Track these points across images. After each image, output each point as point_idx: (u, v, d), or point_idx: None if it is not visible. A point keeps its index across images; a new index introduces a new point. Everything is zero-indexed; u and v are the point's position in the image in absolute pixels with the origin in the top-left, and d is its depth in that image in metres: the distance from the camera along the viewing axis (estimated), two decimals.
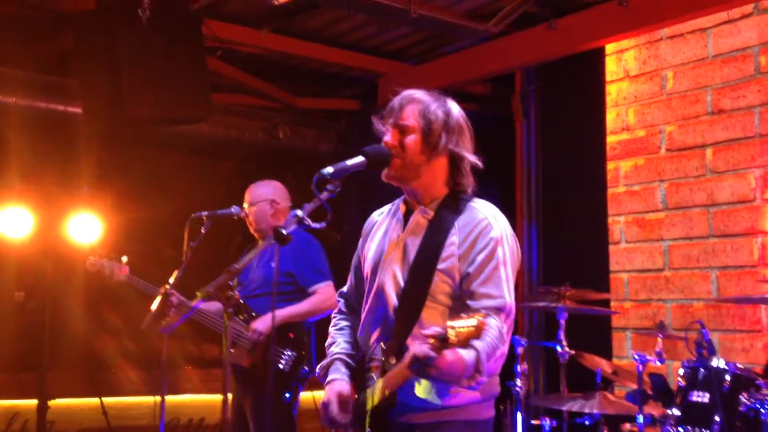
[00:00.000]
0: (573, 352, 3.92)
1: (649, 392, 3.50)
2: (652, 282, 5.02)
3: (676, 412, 3.14)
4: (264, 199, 4.21)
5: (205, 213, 3.88)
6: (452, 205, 2.46)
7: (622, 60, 5.31)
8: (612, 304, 5.07)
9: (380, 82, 6.47)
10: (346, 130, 6.97)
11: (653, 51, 5.13)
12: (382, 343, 2.43)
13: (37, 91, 5.41)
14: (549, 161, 5.85)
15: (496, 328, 2.28)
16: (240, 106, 6.68)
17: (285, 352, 3.90)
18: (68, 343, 5.01)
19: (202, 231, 3.86)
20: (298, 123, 6.74)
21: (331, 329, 2.69)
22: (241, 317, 3.98)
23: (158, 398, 5.12)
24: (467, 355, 2.18)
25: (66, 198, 4.80)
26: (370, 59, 6.34)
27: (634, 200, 5.17)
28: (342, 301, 2.75)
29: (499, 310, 2.33)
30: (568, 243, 5.57)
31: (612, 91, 5.35)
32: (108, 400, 5.02)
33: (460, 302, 2.37)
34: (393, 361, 2.35)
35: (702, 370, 3.15)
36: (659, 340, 3.39)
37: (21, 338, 5.03)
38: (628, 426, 3.58)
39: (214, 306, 4.07)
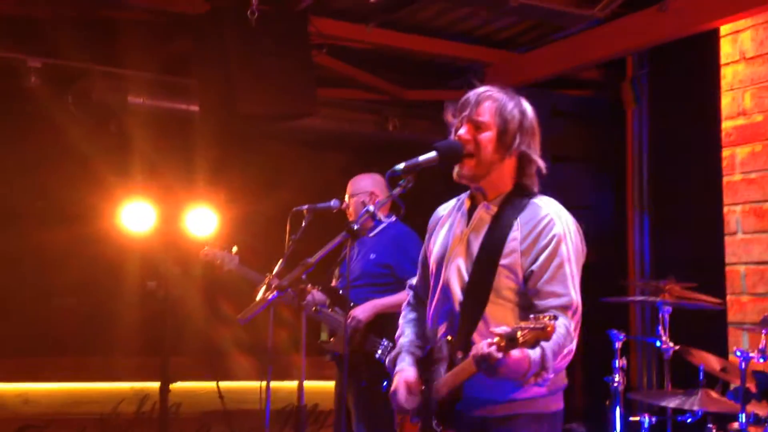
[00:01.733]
0: (677, 347, 3.80)
1: (753, 391, 3.36)
2: None
3: None
4: (364, 191, 4.32)
5: (305, 206, 4.02)
6: (515, 201, 2.49)
7: (737, 41, 5.03)
8: (728, 297, 4.85)
9: (487, 71, 6.45)
10: None
11: None
12: (449, 337, 2.46)
13: (160, 91, 5.74)
14: (661, 149, 5.65)
15: (563, 326, 2.28)
16: (351, 100, 6.84)
17: (382, 342, 4.00)
18: (187, 331, 5.33)
19: (303, 224, 4.00)
20: (408, 115, 6.82)
21: (400, 321, 2.77)
22: (339, 307, 4.11)
23: (271, 383, 5.36)
24: (533, 353, 2.21)
25: (184, 192, 5.10)
26: (478, 49, 6.33)
27: (752, 188, 4.91)
28: (411, 293, 2.81)
29: (565, 308, 2.34)
30: (681, 234, 5.37)
31: (727, 74, 5.08)
32: (224, 385, 5.31)
33: (525, 298, 2.39)
34: (460, 355, 2.39)
35: None
36: (763, 336, 3.25)
37: (148, 325, 5.38)
38: (736, 425, 3.44)
39: (320, 296, 4.23)
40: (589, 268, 6.24)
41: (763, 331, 3.26)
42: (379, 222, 4.30)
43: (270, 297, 2.42)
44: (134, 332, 5.51)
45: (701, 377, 3.61)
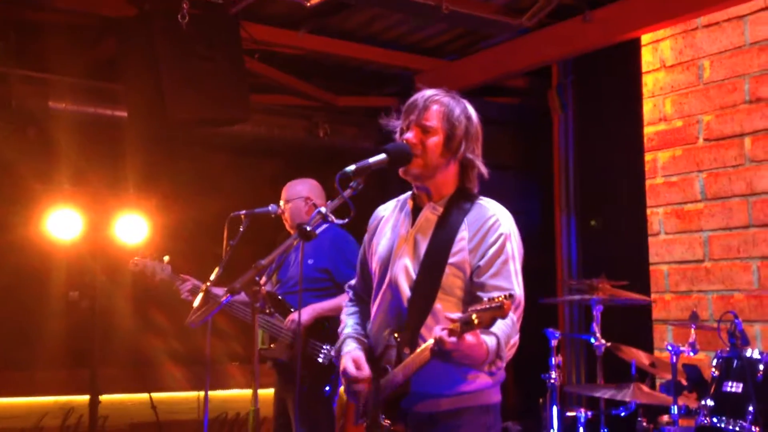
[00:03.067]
0: (609, 344, 3.93)
1: (684, 383, 3.50)
2: (692, 273, 4.98)
3: (709, 402, 3.14)
4: (299, 196, 4.30)
5: (243, 212, 3.97)
6: (461, 202, 2.56)
7: (658, 50, 5.26)
8: (653, 296, 5.04)
9: (417, 78, 6.52)
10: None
11: (689, 40, 5.08)
12: (396, 334, 2.49)
13: (85, 97, 5.60)
14: (586, 154, 5.84)
15: (509, 318, 2.34)
16: (281, 106, 6.80)
17: (324, 346, 3.98)
18: (117, 341, 5.19)
19: (241, 229, 3.95)
20: (338, 121, 6.83)
21: (342, 316, 2.79)
22: (279, 313, 4.07)
23: (200, 393, 5.29)
24: (489, 340, 2.27)
25: (113, 199, 4.97)
26: (408, 56, 6.40)
27: (673, 191, 5.13)
28: (351, 292, 2.85)
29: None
30: (606, 235, 5.55)
31: (648, 82, 5.31)
32: (156, 396, 5.19)
33: (471, 295, 2.45)
34: (407, 351, 2.42)
35: (735, 360, 3.14)
36: (692, 331, 3.39)
37: (73, 336, 5.21)
38: (666, 418, 3.58)
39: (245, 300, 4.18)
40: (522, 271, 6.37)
41: (692, 325, 3.40)
42: (317, 226, 4.29)
43: (224, 299, 2.38)
44: (60, 344, 5.33)
45: (633, 372, 3.73)
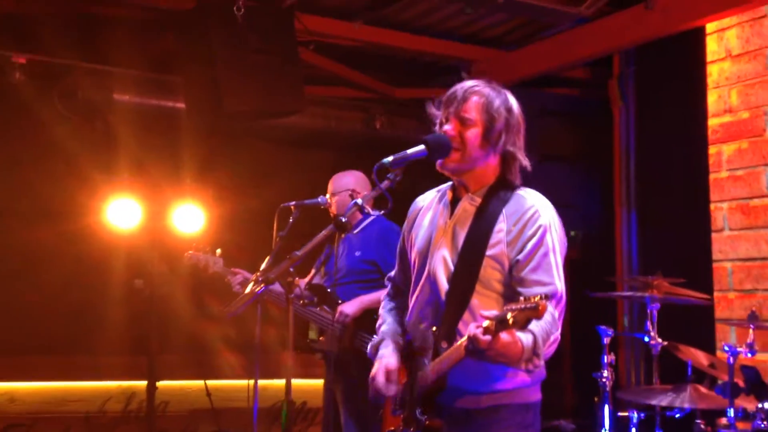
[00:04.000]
0: (665, 343, 3.81)
1: (742, 385, 3.37)
2: (757, 271, 4.78)
3: (767, 406, 3.02)
4: (345, 189, 4.31)
5: (293, 203, 4.00)
6: (499, 193, 2.50)
7: (723, 39, 5.06)
8: (715, 294, 4.87)
9: (474, 69, 6.44)
10: None
11: (756, 29, 4.86)
12: (434, 328, 2.46)
13: (146, 89, 5.73)
14: (648, 146, 5.67)
15: (549, 314, 2.28)
16: (338, 98, 6.83)
17: (372, 338, 3.97)
18: (174, 329, 5.30)
19: (291, 220, 3.97)
20: (395, 113, 6.81)
21: (380, 311, 2.78)
22: (327, 305, 4.09)
23: (259, 381, 5.34)
24: (525, 338, 2.22)
25: (171, 190, 5.07)
26: (465, 47, 6.33)
27: (738, 185, 4.93)
28: (390, 284, 2.82)
29: (550, 297, 2.33)
30: (668, 231, 5.39)
31: (713, 72, 5.11)
32: (211, 383, 5.29)
33: (511, 289, 2.39)
34: (444, 345, 2.38)
35: None
36: (751, 331, 3.26)
37: (134, 323, 5.35)
38: (723, 421, 3.45)
39: (307, 293, 4.21)
40: (577, 265, 6.29)
41: (751, 326, 3.27)
42: (364, 218, 4.30)
43: (258, 290, 2.40)
44: (120, 330, 5.47)
45: (689, 373, 3.62)
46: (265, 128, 5.74)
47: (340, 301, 4.11)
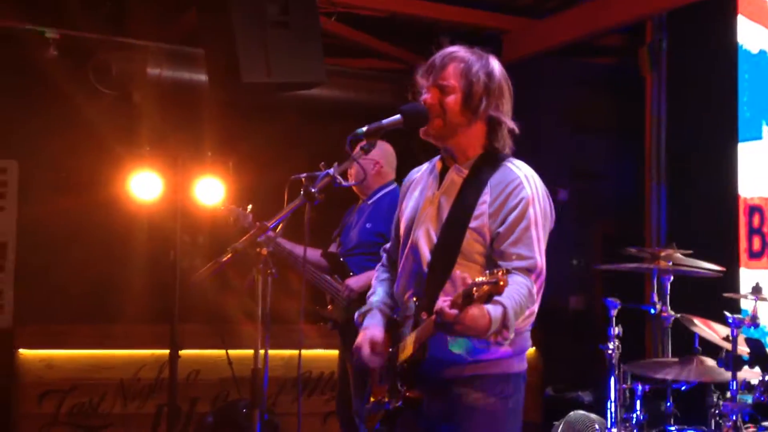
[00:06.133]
0: (677, 315, 3.73)
1: (745, 357, 3.28)
2: None
3: None
4: (370, 158, 4.30)
5: (303, 175, 4.00)
6: (487, 164, 2.46)
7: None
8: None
9: (505, 38, 6.34)
10: None
11: None
12: (415, 298, 2.46)
13: (176, 62, 5.80)
14: (678, 116, 5.50)
15: (525, 287, 2.27)
16: (369, 69, 6.80)
17: None
18: (196, 299, 5.40)
19: (302, 192, 3.98)
20: None
21: (372, 281, 2.77)
22: (339, 275, 4.12)
23: (283, 351, 5.43)
24: (494, 310, 2.19)
25: (192, 163, 5.14)
26: (497, 16, 6.24)
27: None
28: (384, 255, 2.81)
29: (529, 271, 2.32)
30: (698, 204, 5.24)
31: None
32: (232, 353, 5.40)
33: (492, 263, 2.36)
34: (425, 316, 2.38)
35: None
36: (755, 303, 3.16)
37: (159, 293, 5.47)
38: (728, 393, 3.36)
39: (320, 261, 4.24)
40: (610, 238, 6.14)
41: (754, 298, 3.17)
42: (379, 189, 4.28)
43: (223, 260, 2.43)
44: (147, 300, 5.62)
45: (696, 345, 3.54)
46: (288, 100, 5.73)
47: (351, 273, 4.12)
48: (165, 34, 5.80)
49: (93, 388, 5.71)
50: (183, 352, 5.16)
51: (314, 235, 3.43)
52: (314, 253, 4.26)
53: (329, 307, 4.16)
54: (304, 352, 5.97)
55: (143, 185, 4.97)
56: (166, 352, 5.23)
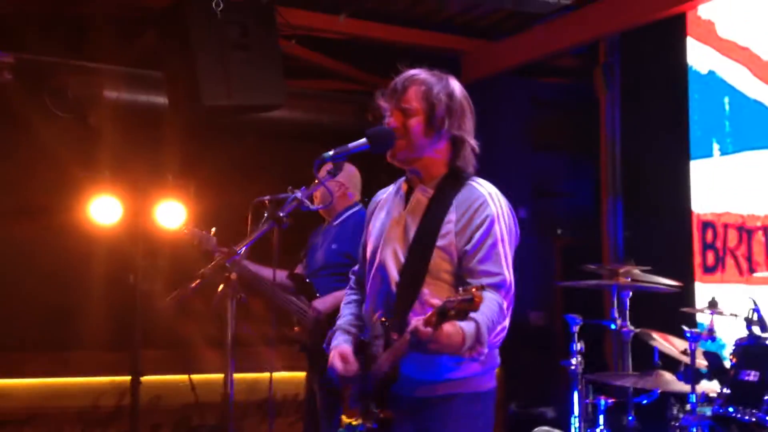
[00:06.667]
0: (637, 330, 3.81)
1: (704, 371, 3.36)
2: None
3: (727, 390, 3.01)
4: (335, 180, 4.30)
5: (267, 197, 4.00)
6: (451, 183, 2.50)
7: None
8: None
9: (462, 60, 6.44)
10: None
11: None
12: (384, 318, 2.47)
13: (134, 85, 5.76)
14: (632, 134, 5.64)
15: (496, 303, 2.30)
16: (330, 91, 6.84)
17: None
18: (157, 323, 5.33)
19: (266, 215, 3.97)
20: None
21: (341, 304, 2.79)
22: (305, 296, 4.11)
23: (246, 375, 5.38)
24: (467, 327, 2.22)
25: (152, 186, 5.10)
26: (454, 38, 6.33)
27: None
28: (353, 278, 2.83)
29: (498, 287, 2.36)
30: (653, 219, 5.37)
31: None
32: (196, 377, 5.34)
33: (460, 279, 2.39)
34: (395, 336, 2.39)
35: (753, 348, 3.00)
36: (711, 317, 3.25)
37: (119, 319, 5.40)
38: (688, 406, 3.44)
39: (286, 283, 4.23)
40: (568, 254, 6.23)
41: (711, 312, 3.26)
42: (345, 211, 4.30)
43: (193, 285, 2.42)
44: (106, 326, 5.53)
45: (656, 359, 3.61)
46: (250, 123, 5.75)
47: (317, 294, 4.12)
48: (123, 57, 5.76)
49: (51, 418, 5.59)
50: (144, 378, 5.09)
51: (279, 257, 3.44)
52: (280, 275, 4.25)
53: (296, 328, 4.15)
54: (267, 375, 5.98)
55: (103, 210, 4.92)
56: (126, 378, 5.15)
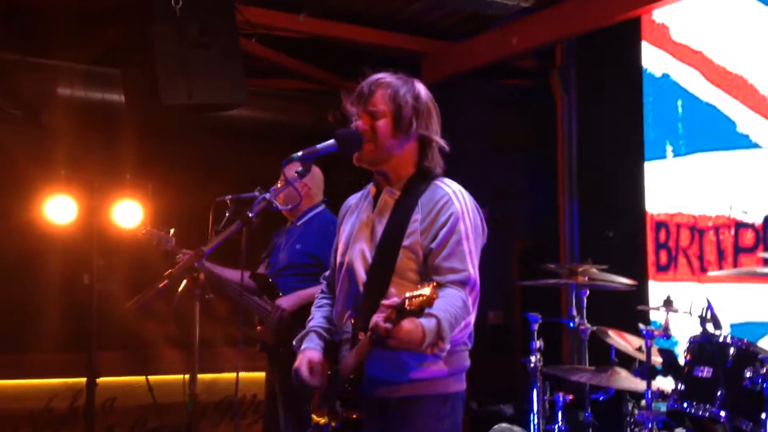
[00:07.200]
0: (594, 327, 3.88)
1: (659, 367, 3.44)
2: None
3: (681, 386, 3.09)
4: (297, 180, 4.30)
5: (228, 197, 3.98)
6: (418, 184, 2.53)
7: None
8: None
9: (423, 61, 6.48)
10: None
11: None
12: (352, 319, 2.49)
13: (90, 83, 5.68)
14: (588, 135, 5.75)
15: (460, 299, 2.32)
16: (288, 90, 6.81)
17: None
18: (113, 324, 5.26)
19: (227, 214, 3.96)
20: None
21: (312, 308, 2.78)
22: (268, 296, 4.10)
23: (204, 375, 5.33)
24: (427, 323, 2.22)
25: (110, 186, 5.04)
26: (414, 39, 6.36)
27: None
28: (324, 283, 2.83)
29: (463, 283, 2.37)
30: (609, 218, 5.48)
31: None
32: (154, 378, 5.28)
33: (427, 278, 2.41)
34: (362, 336, 2.40)
35: (706, 344, 3.09)
36: (666, 315, 3.33)
37: (74, 320, 5.31)
38: (643, 402, 3.51)
39: (248, 283, 4.21)
40: (527, 254, 6.29)
41: (666, 310, 3.34)
42: (308, 211, 4.30)
43: (161, 286, 2.40)
44: (62, 327, 5.43)
45: (612, 356, 3.69)
46: (208, 122, 5.71)
47: (280, 294, 4.11)
48: (78, 54, 5.67)
49: (2, 421, 5.47)
50: (99, 380, 5.02)
51: (238, 257, 3.43)
52: (237, 274, 4.22)
53: (258, 328, 4.13)
54: (225, 375, 5.94)
55: (58, 209, 4.84)
56: (79, 380, 5.07)
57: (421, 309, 2.12)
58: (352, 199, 2.76)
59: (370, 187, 2.66)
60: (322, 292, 2.82)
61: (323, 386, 2.56)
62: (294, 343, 2.72)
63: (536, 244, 6.44)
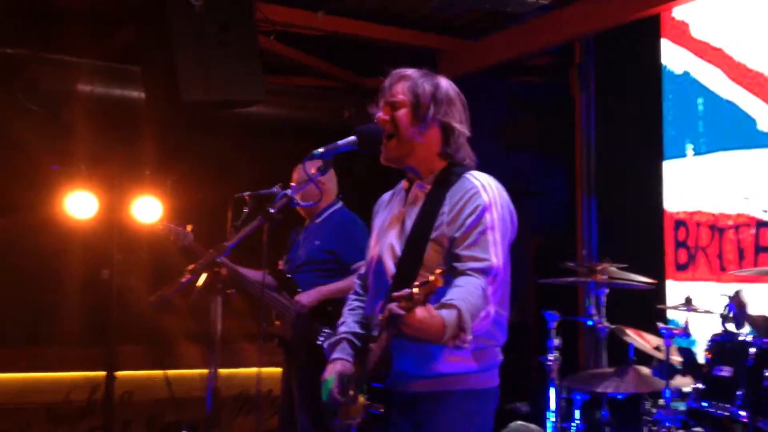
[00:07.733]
0: (612, 326, 3.87)
1: (678, 366, 3.43)
2: None
3: (700, 386, 3.08)
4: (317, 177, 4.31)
5: (247, 193, 4.00)
6: (447, 177, 2.52)
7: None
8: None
9: (440, 58, 6.48)
10: None
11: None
12: (380, 316, 2.48)
13: (109, 79, 5.70)
14: (607, 134, 5.72)
15: (479, 287, 2.29)
16: (305, 87, 6.83)
17: (324, 329, 4.00)
18: (134, 319, 5.30)
19: (245, 211, 3.98)
20: (364, 103, 6.77)
21: (344, 309, 2.76)
22: (287, 291, 4.12)
23: (222, 370, 5.36)
24: (448, 314, 2.18)
25: (129, 181, 5.07)
26: (431, 37, 6.36)
27: None
28: (358, 282, 2.82)
29: (484, 272, 2.34)
30: (627, 217, 5.45)
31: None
32: (171, 373, 5.31)
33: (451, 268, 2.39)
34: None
35: (727, 344, 3.07)
36: (686, 314, 3.32)
37: (94, 314, 5.35)
38: (662, 401, 3.50)
39: (267, 279, 4.24)
40: (541, 251, 6.28)
41: (686, 309, 3.33)
42: (327, 208, 4.32)
43: (184, 281, 2.42)
44: (82, 321, 5.48)
45: (631, 355, 3.67)
46: (226, 119, 5.73)
47: (299, 290, 4.13)
48: (98, 50, 5.70)
49: (20, 414, 5.52)
50: (117, 374, 5.06)
51: (253, 255, 3.44)
52: (256, 273, 4.24)
53: (276, 323, 4.15)
54: (243, 370, 5.97)
55: (78, 205, 4.88)
56: (98, 373, 5.10)
57: (426, 298, 2.10)
58: (386, 195, 2.76)
59: (403, 182, 2.67)
60: (355, 292, 2.81)
61: (354, 381, 2.55)
62: (326, 346, 2.71)
63: (551, 242, 6.43)
